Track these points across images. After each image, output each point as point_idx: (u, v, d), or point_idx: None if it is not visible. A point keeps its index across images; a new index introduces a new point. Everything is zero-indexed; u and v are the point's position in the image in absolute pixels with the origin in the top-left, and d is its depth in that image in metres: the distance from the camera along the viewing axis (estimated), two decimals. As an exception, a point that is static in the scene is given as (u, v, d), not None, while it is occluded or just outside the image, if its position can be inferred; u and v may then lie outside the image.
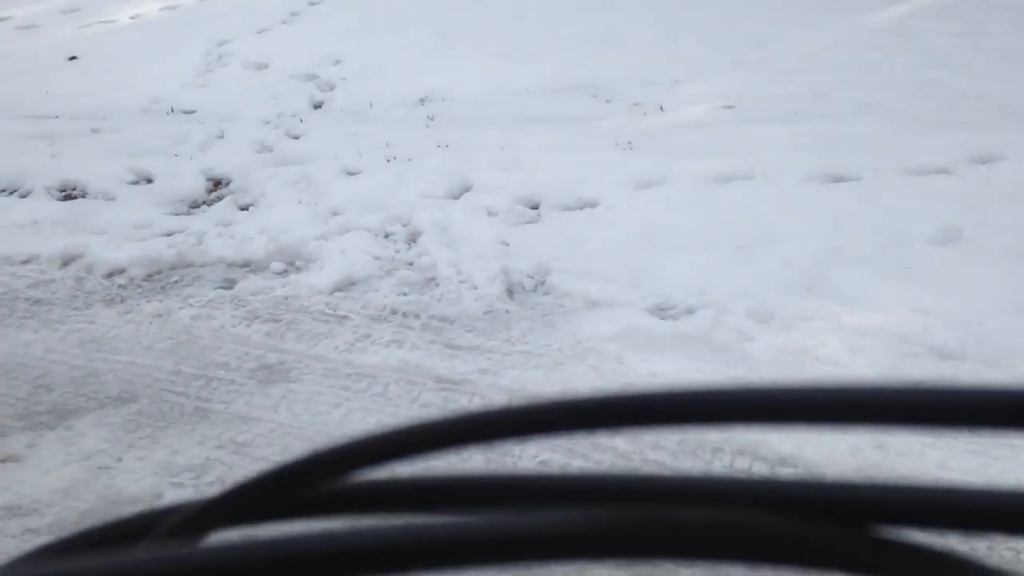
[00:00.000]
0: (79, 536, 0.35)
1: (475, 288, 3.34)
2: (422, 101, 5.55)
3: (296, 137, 4.99)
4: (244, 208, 4.20)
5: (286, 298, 3.40)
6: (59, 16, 7.71)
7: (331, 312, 3.30)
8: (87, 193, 4.48)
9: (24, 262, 3.82)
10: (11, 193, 4.54)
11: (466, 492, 0.30)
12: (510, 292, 3.35)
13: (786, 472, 2.45)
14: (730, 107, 5.14)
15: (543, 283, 3.41)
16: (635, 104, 5.33)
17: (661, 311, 3.18)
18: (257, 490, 0.31)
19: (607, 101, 5.44)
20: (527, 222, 3.92)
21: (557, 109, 5.32)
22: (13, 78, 6.30)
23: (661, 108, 5.21)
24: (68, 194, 4.51)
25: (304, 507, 0.31)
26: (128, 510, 2.38)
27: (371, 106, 5.51)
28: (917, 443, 2.46)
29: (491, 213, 3.95)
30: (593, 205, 4.02)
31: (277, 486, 0.31)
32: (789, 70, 5.69)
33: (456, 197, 4.13)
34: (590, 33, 6.62)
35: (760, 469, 2.45)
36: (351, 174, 4.43)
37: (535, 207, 4.04)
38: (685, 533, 0.26)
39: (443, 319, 3.21)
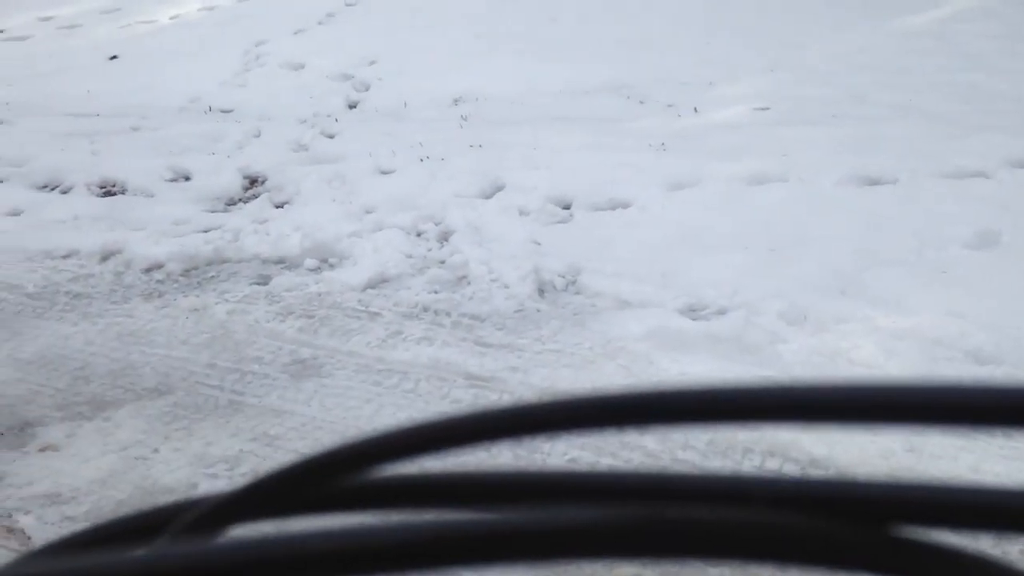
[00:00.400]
0: (95, 530, 0.35)
1: (506, 287, 3.35)
2: (456, 101, 5.58)
3: (331, 136, 5.04)
4: (279, 206, 4.25)
5: (319, 294, 3.44)
6: (100, 16, 7.84)
7: (363, 309, 3.33)
8: (126, 190, 4.56)
9: (64, 256, 3.89)
10: (52, 189, 4.63)
11: (491, 489, 0.30)
12: (541, 291, 3.36)
13: (816, 474, 2.44)
14: (765, 109, 5.12)
15: (574, 282, 3.42)
16: (669, 105, 5.32)
17: (692, 312, 3.17)
18: (279, 484, 0.31)
19: (640, 102, 5.44)
20: (559, 222, 3.93)
21: (590, 110, 5.33)
22: (55, 77, 6.42)
23: (695, 109, 5.20)
24: (108, 191, 4.58)
25: (326, 502, 0.31)
26: (163, 500, 2.43)
27: (405, 106, 5.54)
28: (950, 446, 2.43)
29: (523, 212, 3.97)
30: (625, 206, 4.03)
31: (299, 480, 0.30)
32: (825, 72, 5.66)
33: (488, 196, 4.15)
34: (625, 34, 6.62)
35: (790, 470, 2.44)
36: (384, 173, 4.47)
37: (567, 207, 4.05)
38: (708, 532, 0.26)
39: (474, 317, 3.23)
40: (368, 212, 4.02)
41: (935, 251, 3.44)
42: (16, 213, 4.36)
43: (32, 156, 4.91)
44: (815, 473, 2.44)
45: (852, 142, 4.44)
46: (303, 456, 0.30)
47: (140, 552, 0.27)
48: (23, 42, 7.46)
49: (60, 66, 6.65)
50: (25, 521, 2.41)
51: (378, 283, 3.48)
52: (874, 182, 4.06)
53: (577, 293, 3.37)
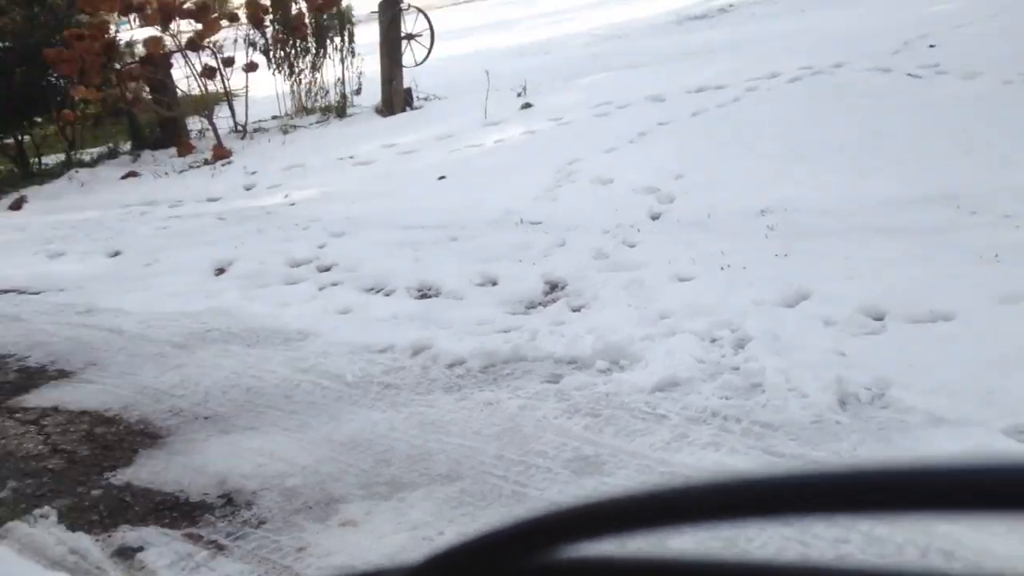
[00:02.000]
0: None
1: (804, 396, 3.15)
2: (763, 212, 5.46)
3: (632, 245, 5.11)
4: (576, 309, 4.35)
5: (607, 395, 3.43)
6: (435, 142, 8.66)
7: (650, 411, 3.27)
8: (440, 293, 4.90)
9: (381, 351, 4.22)
10: (378, 292, 5.09)
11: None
12: (842, 403, 3.11)
13: None
14: (1122, 217, 4.50)
15: (882, 396, 3.13)
16: (1006, 216, 4.84)
17: (1021, 434, 2.77)
18: (471, 556, 0.31)
19: (972, 212, 4.99)
20: (869, 332, 3.65)
21: (912, 220, 4.97)
22: (391, 195, 7.13)
23: (1034, 218, 4.68)
24: (424, 293, 4.96)
25: None
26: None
27: (709, 217, 5.51)
28: None
29: (828, 323, 3.74)
30: (947, 319, 3.66)
31: (492, 554, 0.31)
32: None
33: (791, 305, 3.97)
34: (957, 144, 6.17)
35: None
36: (683, 280, 4.43)
37: (879, 318, 3.76)
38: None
39: (766, 425, 3.05)
40: (663, 317, 3.99)
41: None
42: (346, 312, 4.83)
43: (364, 263, 5.44)
44: None
45: None
46: (493, 527, 0.30)
47: None
48: (368, 166, 8.40)
49: (396, 186, 7.39)
50: (320, 589, 2.56)
51: (667, 386, 3.41)
52: None
53: (884, 407, 3.08)
